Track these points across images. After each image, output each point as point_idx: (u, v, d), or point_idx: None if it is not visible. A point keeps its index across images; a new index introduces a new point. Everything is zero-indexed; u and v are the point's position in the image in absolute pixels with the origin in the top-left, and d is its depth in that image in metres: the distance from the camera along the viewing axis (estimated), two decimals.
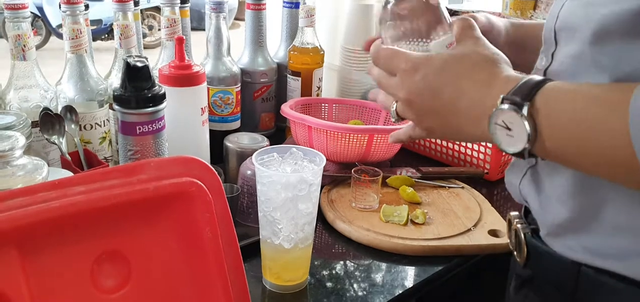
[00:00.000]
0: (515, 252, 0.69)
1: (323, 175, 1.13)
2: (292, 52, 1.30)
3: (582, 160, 0.50)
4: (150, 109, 0.72)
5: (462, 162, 1.23)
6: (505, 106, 0.51)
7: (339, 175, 1.14)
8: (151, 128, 0.72)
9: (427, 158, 1.31)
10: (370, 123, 1.30)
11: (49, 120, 0.88)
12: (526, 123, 0.50)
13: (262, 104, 1.34)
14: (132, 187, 0.50)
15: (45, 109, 0.88)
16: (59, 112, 0.92)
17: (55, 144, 0.89)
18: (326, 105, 1.33)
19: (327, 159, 1.15)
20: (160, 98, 0.73)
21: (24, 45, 0.89)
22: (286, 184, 0.76)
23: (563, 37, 0.58)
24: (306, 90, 1.31)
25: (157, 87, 0.73)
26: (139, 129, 0.72)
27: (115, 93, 0.72)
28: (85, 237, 0.50)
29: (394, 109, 0.63)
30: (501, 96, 0.52)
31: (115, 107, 0.73)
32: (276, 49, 1.40)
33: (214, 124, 1.16)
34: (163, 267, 0.54)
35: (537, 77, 0.52)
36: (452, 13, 1.49)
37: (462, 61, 0.58)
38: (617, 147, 0.46)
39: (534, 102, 0.50)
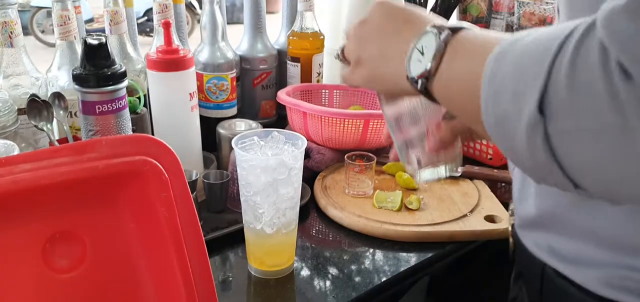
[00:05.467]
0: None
1: (319, 161, 1.12)
2: (291, 38, 1.28)
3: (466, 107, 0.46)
4: (109, 88, 0.71)
5: (464, 147, 1.19)
6: (431, 30, 0.47)
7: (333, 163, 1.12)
8: (111, 107, 0.71)
9: None
10: (372, 108, 1.27)
11: (36, 107, 0.87)
12: (440, 43, 0.46)
13: (263, 92, 1.32)
14: (80, 165, 0.49)
15: (33, 95, 0.88)
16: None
17: (43, 130, 0.89)
18: (327, 91, 1.31)
19: (323, 145, 1.13)
20: (120, 76, 0.72)
21: (11, 32, 0.89)
22: (265, 167, 0.74)
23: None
24: (306, 76, 1.29)
25: (116, 66, 0.71)
26: (99, 108, 0.71)
27: (74, 72, 0.72)
28: (35, 216, 0.49)
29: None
30: (433, 24, 0.48)
31: (75, 86, 0.72)
32: (278, 34, 1.38)
33: (209, 110, 1.14)
34: (120, 247, 0.53)
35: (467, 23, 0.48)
36: None
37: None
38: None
39: (456, 35, 0.46)
